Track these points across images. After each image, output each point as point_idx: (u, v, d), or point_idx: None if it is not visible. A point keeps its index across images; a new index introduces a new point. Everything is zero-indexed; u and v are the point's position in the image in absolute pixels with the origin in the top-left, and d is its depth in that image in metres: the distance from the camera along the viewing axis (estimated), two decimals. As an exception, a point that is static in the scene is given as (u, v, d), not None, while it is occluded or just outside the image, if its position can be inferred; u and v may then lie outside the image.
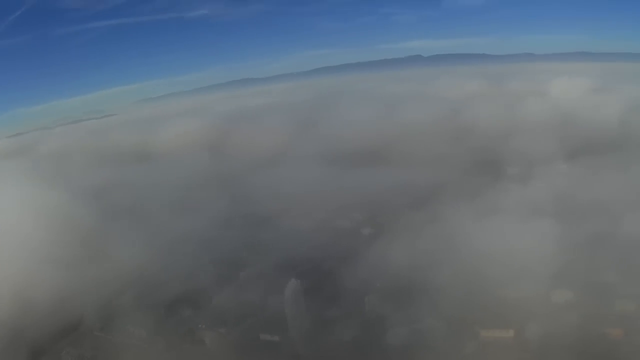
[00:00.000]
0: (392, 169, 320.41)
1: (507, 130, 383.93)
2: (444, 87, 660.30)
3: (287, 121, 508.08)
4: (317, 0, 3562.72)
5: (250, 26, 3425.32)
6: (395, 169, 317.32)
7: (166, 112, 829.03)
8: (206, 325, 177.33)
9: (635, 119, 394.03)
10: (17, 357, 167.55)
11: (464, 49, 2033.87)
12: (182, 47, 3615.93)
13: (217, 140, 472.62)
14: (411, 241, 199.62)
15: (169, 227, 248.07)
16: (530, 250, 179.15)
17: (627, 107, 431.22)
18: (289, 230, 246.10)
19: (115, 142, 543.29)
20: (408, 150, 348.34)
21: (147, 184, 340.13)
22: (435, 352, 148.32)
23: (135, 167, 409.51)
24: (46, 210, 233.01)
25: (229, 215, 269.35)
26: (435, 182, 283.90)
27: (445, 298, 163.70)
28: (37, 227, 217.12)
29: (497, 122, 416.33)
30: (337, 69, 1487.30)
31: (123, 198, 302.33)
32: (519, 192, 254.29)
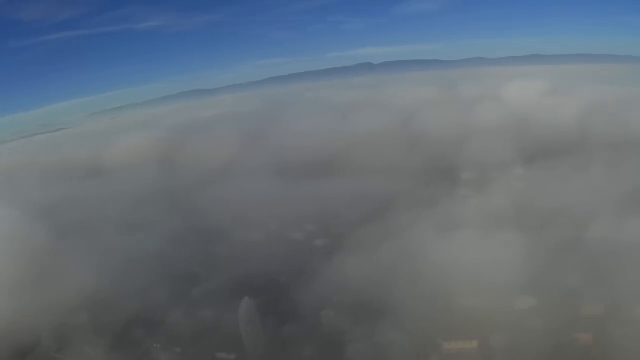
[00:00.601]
0: (344, 179, 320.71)
1: (461, 136, 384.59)
2: (396, 95, 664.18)
3: (238, 132, 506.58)
4: (267, 11, 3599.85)
5: (201, 37, 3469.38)
6: (348, 179, 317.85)
7: (119, 125, 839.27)
8: (161, 345, 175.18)
9: (592, 120, 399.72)
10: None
11: (414, 55, 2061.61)
12: (134, 59, 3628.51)
13: (169, 154, 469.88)
14: (367, 253, 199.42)
15: (121, 244, 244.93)
16: (491, 259, 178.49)
17: (582, 109, 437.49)
18: (242, 244, 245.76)
19: (67, 157, 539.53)
20: (361, 159, 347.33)
21: (99, 199, 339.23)
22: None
23: (87, 183, 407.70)
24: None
25: (181, 230, 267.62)
26: (389, 191, 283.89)
27: (405, 311, 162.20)
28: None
29: (451, 128, 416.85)
30: (286, 78, 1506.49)
31: (75, 215, 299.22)
32: (476, 199, 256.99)
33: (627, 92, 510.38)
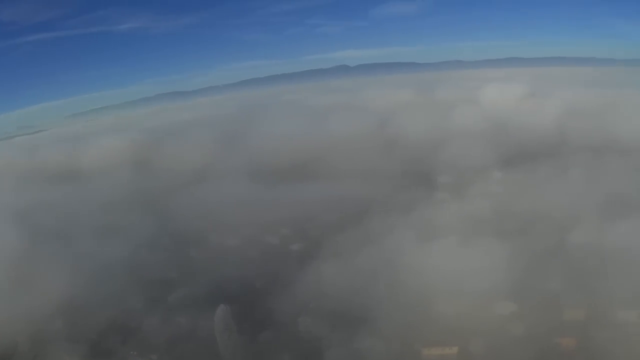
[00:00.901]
0: (321, 182, 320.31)
1: (439, 140, 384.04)
2: (372, 98, 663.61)
3: (214, 135, 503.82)
4: (245, 13, 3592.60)
5: (179, 39, 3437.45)
6: (324, 183, 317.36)
7: (97, 127, 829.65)
8: (138, 352, 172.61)
9: (570, 123, 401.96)
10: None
11: (391, 58, 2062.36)
12: (113, 61, 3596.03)
13: (145, 157, 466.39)
14: (344, 259, 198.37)
15: (96, 248, 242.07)
16: (471, 265, 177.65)
17: (561, 112, 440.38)
18: (217, 248, 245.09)
19: (44, 160, 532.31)
20: (337, 163, 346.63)
21: (75, 203, 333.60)
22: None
23: (63, 186, 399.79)
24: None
25: (157, 234, 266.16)
26: (366, 195, 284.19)
27: (384, 317, 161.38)
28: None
29: (428, 131, 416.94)
30: (263, 80, 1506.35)
31: (50, 219, 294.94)
32: (454, 203, 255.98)
33: (606, 95, 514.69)
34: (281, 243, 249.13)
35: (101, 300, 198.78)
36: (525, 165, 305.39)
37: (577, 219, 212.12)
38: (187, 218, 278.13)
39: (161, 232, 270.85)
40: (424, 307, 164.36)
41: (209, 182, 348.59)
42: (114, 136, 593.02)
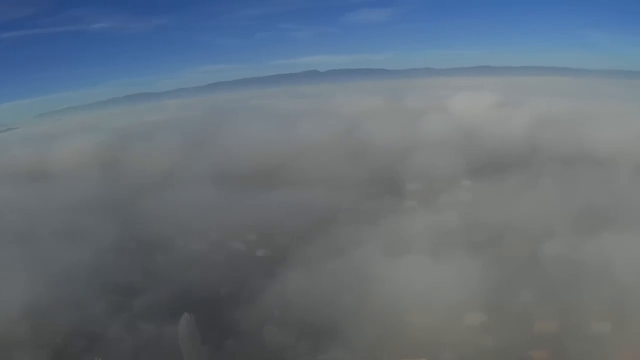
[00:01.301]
0: (287, 189, 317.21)
1: (407, 148, 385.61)
2: (341, 104, 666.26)
3: (181, 139, 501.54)
4: (216, 17, 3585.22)
5: (150, 40, 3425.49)
6: (291, 189, 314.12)
7: (66, 127, 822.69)
8: (102, 358, 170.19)
9: (541, 133, 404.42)
10: None
11: (361, 64, 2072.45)
12: (84, 60, 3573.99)
13: (112, 159, 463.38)
14: (311, 267, 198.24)
15: (61, 252, 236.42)
16: (440, 275, 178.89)
17: (532, 121, 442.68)
18: (183, 253, 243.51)
19: (10, 159, 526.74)
20: (304, 169, 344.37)
21: (39, 205, 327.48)
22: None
23: (28, 187, 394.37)
24: None
25: (122, 238, 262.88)
26: (333, 203, 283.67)
27: (351, 328, 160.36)
28: None
29: (397, 139, 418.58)
30: (232, 84, 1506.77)
31: (14, 221, 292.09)
32: (422, 213, 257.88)
33: (579, 105, 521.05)
34: (247, 249, 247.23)
35: (66, 305, 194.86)
36: (495, 175, 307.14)
37: (548, 231, 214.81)
38: (153, 222, 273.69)
39: (127, 236, 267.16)
40: (393, 318, 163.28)
41: (176, 186, 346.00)
42: (82, 137, 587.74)
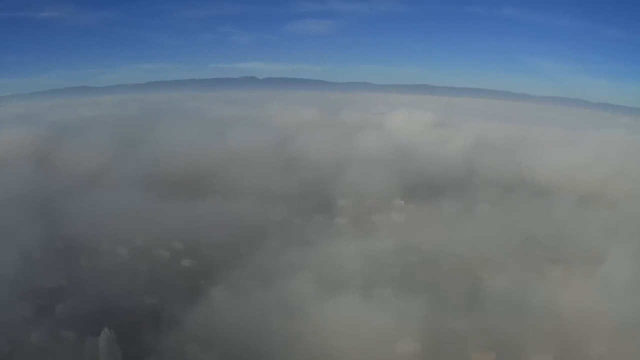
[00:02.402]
0: (217, 197, 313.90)
1: (340, 163, 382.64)
2: (277, 114, 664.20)
3: (114, 138, 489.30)
4: (160, 15, 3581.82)
5: (95, 34, 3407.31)
6: (221, 199, 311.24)
7: (1, 115, 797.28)
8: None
9: (478, 157, 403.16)
10: None
11: (300, 74, 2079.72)
12: (26, 48, 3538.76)
13: (42, 154, 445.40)
14: (236, 286, 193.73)
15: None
16: (371, 303, 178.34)
17: (469, 143, 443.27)
18: (108, 257, 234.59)
19: None
20: (235, 179, 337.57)
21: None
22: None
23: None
24: None
25: (46, 239, 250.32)
26: (262, 216, 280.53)
27: (276, 353, 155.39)
28: None
29: (330, 153, 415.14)
30: (170, 84, 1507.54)
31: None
32: (353, 233, 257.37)
33: (518, 131, 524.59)
34: (172, 257, 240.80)
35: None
36: (430, 197, 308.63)
37: (485, 260, 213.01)
38: (80, 223, 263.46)
39: (52, 237, 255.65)
40: (322, 344, 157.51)
41: (104, 188, 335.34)
42: (15, 128, 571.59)
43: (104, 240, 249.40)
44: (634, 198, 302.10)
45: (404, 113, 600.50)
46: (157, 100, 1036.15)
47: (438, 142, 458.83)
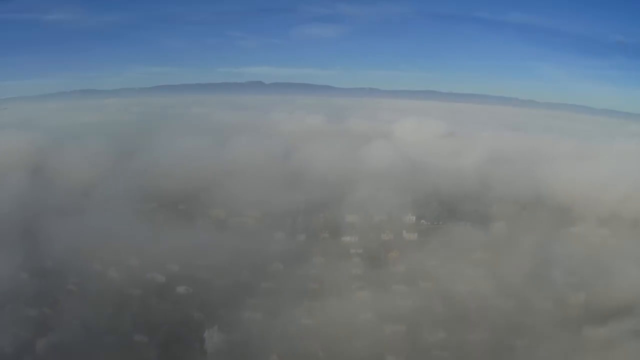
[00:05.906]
0: (216, 211, 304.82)
1: (347, 177, 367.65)
2: (282, 120, 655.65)
3: (110, 147, 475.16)
4: (168, 18, 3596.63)
5: (104, 36, 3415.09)
6: (219, 215, 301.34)
7: (5, 118, 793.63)
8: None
9: (491, 170, 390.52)
10: None
11: (307, 79, 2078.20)
12: (34, 50, 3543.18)
13: (38, 163, 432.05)
14: (238, 320, 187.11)
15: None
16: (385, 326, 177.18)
17: (483, 156, 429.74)
18: (98, 282, 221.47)
19: None
20: (235, 194, 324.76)
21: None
22: None
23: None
24: None
25: (35, 258, 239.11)
26: (266, 237, 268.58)
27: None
28: None
29: (338, 166, 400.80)
30: (177, 88, 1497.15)
31: None
32: (362, 254, 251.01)
33: (530, 140, 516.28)
34: (167, 282, 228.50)
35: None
36: (444, 214, 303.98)
37: (505, 289, 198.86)
38: (70, 241, 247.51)
39: (39, 256, 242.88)
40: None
41: (98, 203, 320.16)
42: (11, 134, 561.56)
43: (95, 260, 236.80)
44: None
45: (413, 122, 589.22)
46: (163, 104, 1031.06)
47: (450, 154, 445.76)
